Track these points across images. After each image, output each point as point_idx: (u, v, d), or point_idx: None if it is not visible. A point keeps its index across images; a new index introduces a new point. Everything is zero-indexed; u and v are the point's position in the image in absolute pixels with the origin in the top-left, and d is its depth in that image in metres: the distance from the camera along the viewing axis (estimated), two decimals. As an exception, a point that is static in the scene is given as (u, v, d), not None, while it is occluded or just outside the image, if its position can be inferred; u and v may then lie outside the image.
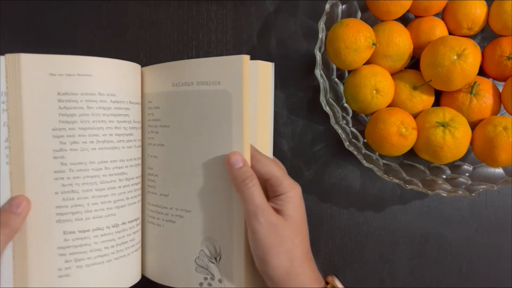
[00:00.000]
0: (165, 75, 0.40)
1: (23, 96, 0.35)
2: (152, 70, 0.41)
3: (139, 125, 0.41)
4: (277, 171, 0.37)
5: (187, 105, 0.39)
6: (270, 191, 0.37)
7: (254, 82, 0.37)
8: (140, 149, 0.41)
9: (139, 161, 0.41)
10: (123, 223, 0.39)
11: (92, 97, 0.37)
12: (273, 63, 0.38)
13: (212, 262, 0.39)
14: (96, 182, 0.37)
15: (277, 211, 0.36)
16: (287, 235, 0.35)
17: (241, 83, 0.36)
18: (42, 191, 0.35)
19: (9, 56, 0.35)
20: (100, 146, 0.37)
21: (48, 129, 0.36)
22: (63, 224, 0.36)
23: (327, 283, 0.38)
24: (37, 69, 0.35)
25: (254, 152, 0.37)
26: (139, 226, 0.42)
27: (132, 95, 0.40)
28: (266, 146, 0.39)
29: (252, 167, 0.37)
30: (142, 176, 0.42)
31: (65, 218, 0.36)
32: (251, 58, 0.36)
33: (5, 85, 0.35)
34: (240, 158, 0.36)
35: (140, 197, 0.42)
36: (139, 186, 0.41)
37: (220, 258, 0.39)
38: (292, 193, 0.36)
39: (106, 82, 0.38)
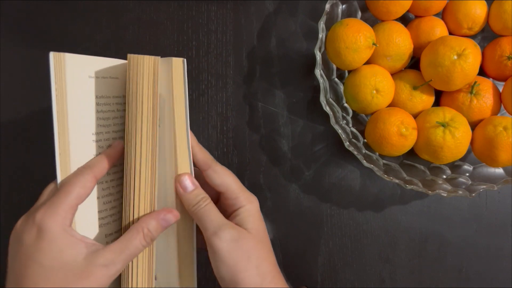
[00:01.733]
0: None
1: (68, 99, 0.33)
2: None
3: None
4: (234, 183, 0.35)
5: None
6: (226, 205, 0.35)
7: (169, 81, 0.34)
8: None
9: None
10: None
11: (119, 100, 0.37)
12: (185, 59, 0.35)
13: None
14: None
15: (237, 224, 0.34)
16: (252, 249, 0.32)
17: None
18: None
19: (55, 54, 0.32)
20: None
21: (89, 134, 0.34)
22: (105, 227, 0.36)
23: None
24: (79, 70, 0.33)
25: (211, 162, 0.35)
26: None
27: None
28: (185, 150, 0.35)
29: (208, 177, 0.35)
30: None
31: (106, 221, 0.36)
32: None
33: (54, 86, 0.32)
34: (190, 180, 0.34)
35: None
36: None
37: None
38: (250, 206, 0.34)
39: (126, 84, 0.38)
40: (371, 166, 0.43)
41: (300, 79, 0.50)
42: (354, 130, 0.47)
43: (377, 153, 0.47)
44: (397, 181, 0.43)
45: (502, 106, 0.45)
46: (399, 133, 0.42)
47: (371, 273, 0.50)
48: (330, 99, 0.45)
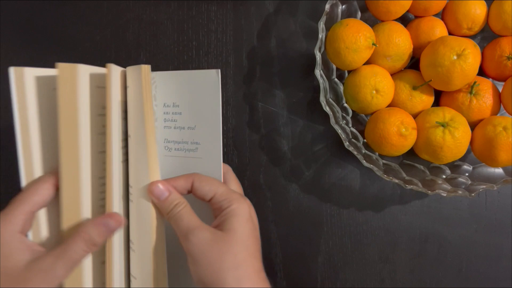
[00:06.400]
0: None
1: (30, 110, 0.35)
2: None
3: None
4: (221, 187, 0.34)
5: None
6: (216, 210, 0.34)
7: (138, 90, 0.34)
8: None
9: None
10: None
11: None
12: (150, 66, 0.35)
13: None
14: None
15: (218, 226, 0.33)
16: (227, 250, 0.31)
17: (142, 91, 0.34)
18: None
19: (16, 69, 0.35)
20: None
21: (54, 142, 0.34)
22: None
23: None
24: (42, 83, 0.35)
25: (196, 175, 0.35)
26: None
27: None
28: (154, 158, 0.35)
29: (196, 190, 0.34)
30: None
31: None
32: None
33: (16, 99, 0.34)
34: (164, 188, 0.34)
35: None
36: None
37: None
38: (236, 207, 0.33)
39: None
40: (371, 166, 0.43)
41: (300, 79, 0.50)
42: (354, 130, 0.47)
43: (377, 153, 0.47)
44: (397, 181, 0.43)
45: (502, 106, 0.45)
46: (399, 133, 0.42)
47: (371, 273, 0.50)
48: (330, 99, 0.45)
